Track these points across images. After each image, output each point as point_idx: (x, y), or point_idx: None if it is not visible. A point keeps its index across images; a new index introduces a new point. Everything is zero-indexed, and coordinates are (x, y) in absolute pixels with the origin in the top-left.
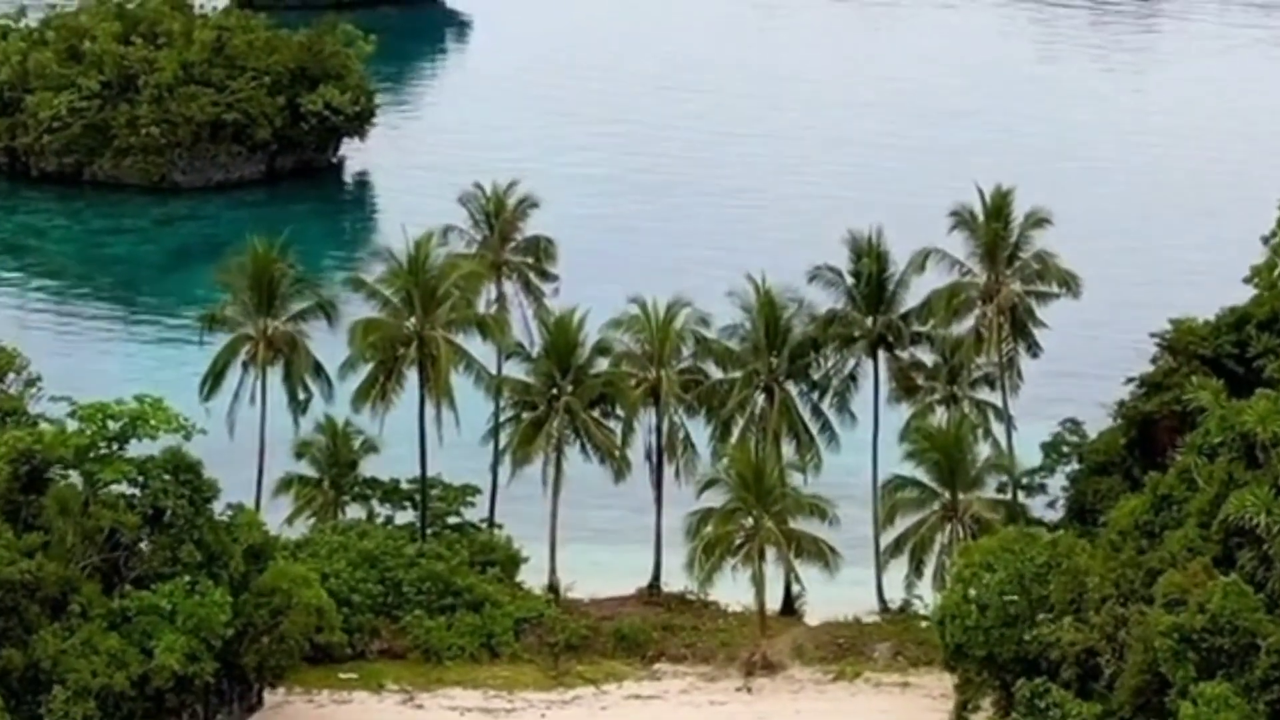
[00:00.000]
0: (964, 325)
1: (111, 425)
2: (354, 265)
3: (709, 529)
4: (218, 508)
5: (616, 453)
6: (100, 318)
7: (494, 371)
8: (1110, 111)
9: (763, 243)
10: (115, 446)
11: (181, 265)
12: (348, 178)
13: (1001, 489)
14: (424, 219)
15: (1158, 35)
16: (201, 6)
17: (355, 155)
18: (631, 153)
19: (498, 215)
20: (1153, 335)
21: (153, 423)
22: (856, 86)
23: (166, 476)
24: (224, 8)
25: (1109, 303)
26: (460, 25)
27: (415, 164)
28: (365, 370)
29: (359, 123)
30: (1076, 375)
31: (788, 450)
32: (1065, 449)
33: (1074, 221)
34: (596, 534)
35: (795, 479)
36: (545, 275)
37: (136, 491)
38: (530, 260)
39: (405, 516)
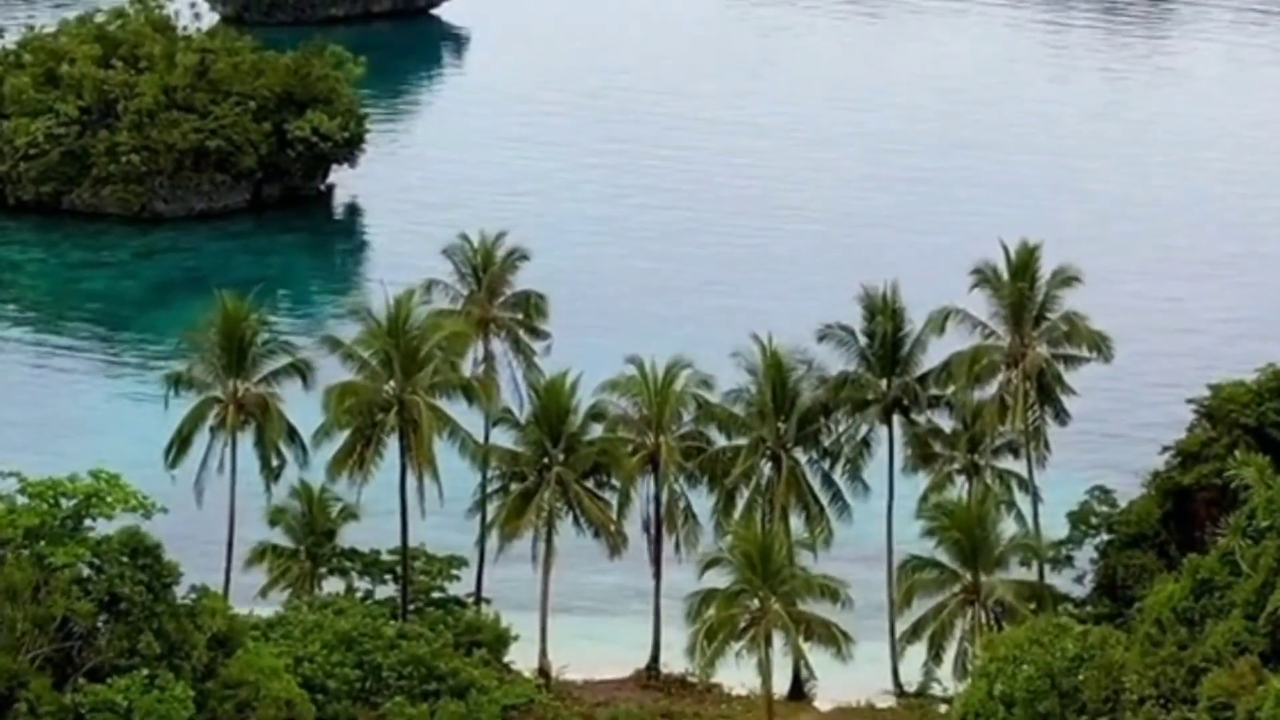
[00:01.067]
0: (986, 390)
1: (65, 503)
2: (344, 299)
3: (711, 612)
4: (181, 591)
5: (612, 527)
6: (76, 357)
7: (480, 439)
8: (1127, 138)
9: (768, 292)
10: (69, 526)
11: (162, 301)
12: (337, 206)
13: (1025, 562)
14: (415, 251)
15: (1171, 47)
16: (185, 28)
17: (345, 183)
18: (629, 185)
19: (485, 268)
20: (1190, 402)
21: (109, 500)
22: (864, 115)
23: (124, 560)
24: (210, 28)
25: (1137, 354)
26: (457, 41)
27: (408, 192)
28: (342, 437)
29: (349, 149)
30: (1104, 436)
31: (796, 523)
32: (1094, 519)
33: (1094, 260)
34: (591, 603)
35: (805, 556)
36: (536, 333)
37: (92, 576)
38: (520, 316)
39: (386, 590)
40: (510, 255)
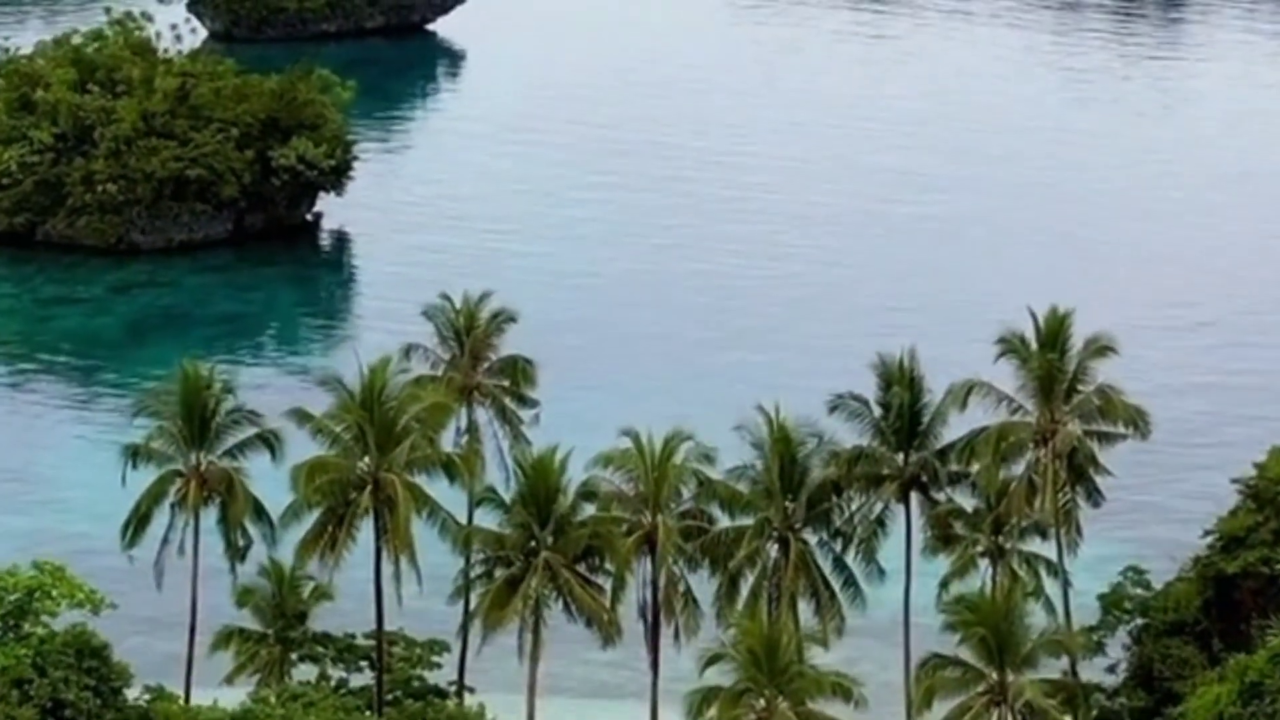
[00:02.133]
0: (1013, 467)
1: (5, 599)
2: (329, 338)
3: (713, 712)
4: (133, 692)
5: (605, 616)
6: (45, 404)
7: (462, 519)
8: (1148, 175)
9: (773, 343)
10: (9, 624)
11: (138, 340)
12: (323, 237)
13: (1054, 654)
14: (402, 286)
15: (1186, 69)
16: (165, 51)
17: (332, 211)
18: (625, 222)
19: (468, 332)
20: (1234, 481)
21: (54, 595)
22: (872, 147)
23: (69, 662)
24: (191, 50)
25: (1172, 420)
26: (452, 57)
27: (397, 221)
28: (312, 518)
29: (336, 177)
30: (1137, 510)
31: (805, 610)
32: (1128, 604)
33: (1119, 314)
34: (585, 687)
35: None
36: (524, 400)
37: (34, 679)
38: (506, 383)
39: (362, 678)
40: (495, 318)
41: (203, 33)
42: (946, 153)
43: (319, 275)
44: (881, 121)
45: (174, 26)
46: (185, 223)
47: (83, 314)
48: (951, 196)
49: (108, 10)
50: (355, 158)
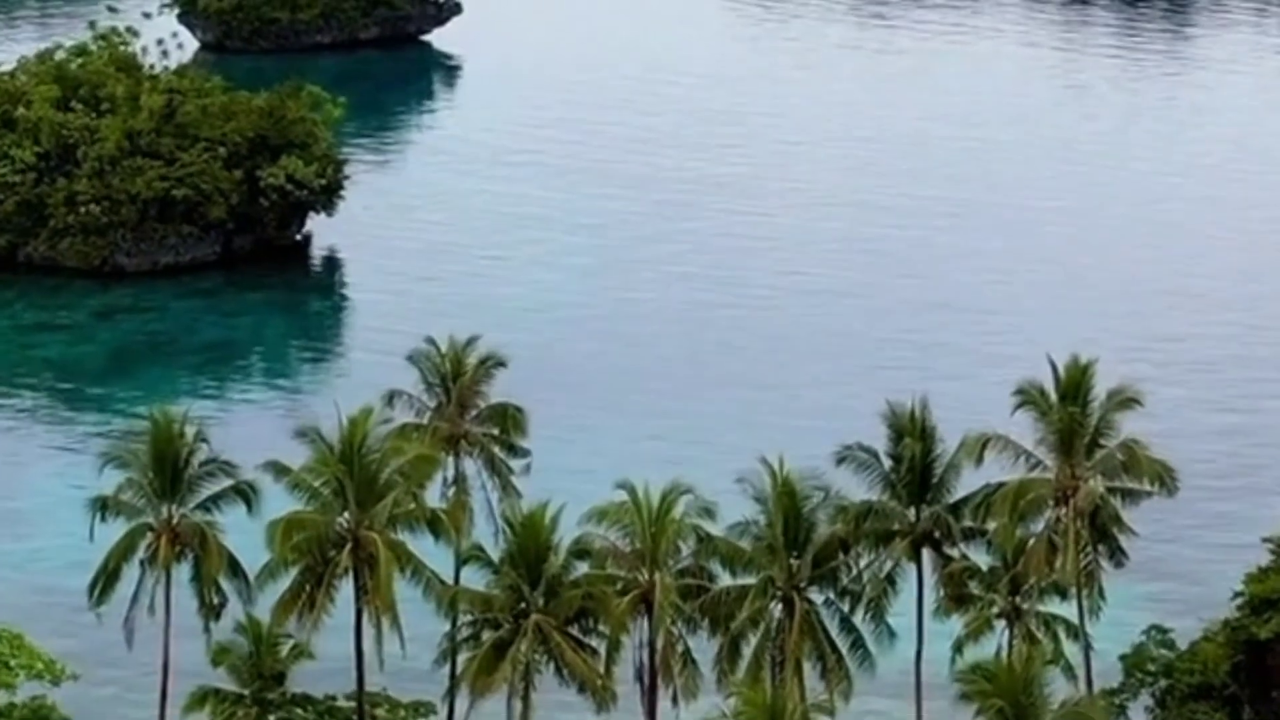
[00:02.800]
0: (1031, 524)
1: None
2: (318, 368)
3: None
4: None
5: (599, 682)
6: (24, 436)
7: (448, 578)
8: (1168, 203)
9: (776, 381)
10: None
11: (121, 370)
12: (314, 258)
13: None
14: (395, 312)
15: (1199, 78)
16: (152, 66)
17: (323, 232)
18: (622, 249)
19: (455, 378)
20: (1266, 541)
21: (12, 665)
22: (880, 171)
23: None
24: (179, 65)
25: (1197, 473)
26: (448, 70)
27: (390, 242)
28: (290, 577)
29: (326, 197)
30: (1159, 565)
31: (810, 673)
32: (1151, 665)
33: (1128, 341)
34: None
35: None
36: (514, 450)
37: None
38: (495, 432)
39: None
40: (484, 363)
41: (190, 47)
42: (954, 177)
43: (308, 300)
44: (885, 144)
45: (160, 42)
46: (171, 245)
47: (65, 341)
48: (960, 222)
49: (92, 25)
50: (346, 177)
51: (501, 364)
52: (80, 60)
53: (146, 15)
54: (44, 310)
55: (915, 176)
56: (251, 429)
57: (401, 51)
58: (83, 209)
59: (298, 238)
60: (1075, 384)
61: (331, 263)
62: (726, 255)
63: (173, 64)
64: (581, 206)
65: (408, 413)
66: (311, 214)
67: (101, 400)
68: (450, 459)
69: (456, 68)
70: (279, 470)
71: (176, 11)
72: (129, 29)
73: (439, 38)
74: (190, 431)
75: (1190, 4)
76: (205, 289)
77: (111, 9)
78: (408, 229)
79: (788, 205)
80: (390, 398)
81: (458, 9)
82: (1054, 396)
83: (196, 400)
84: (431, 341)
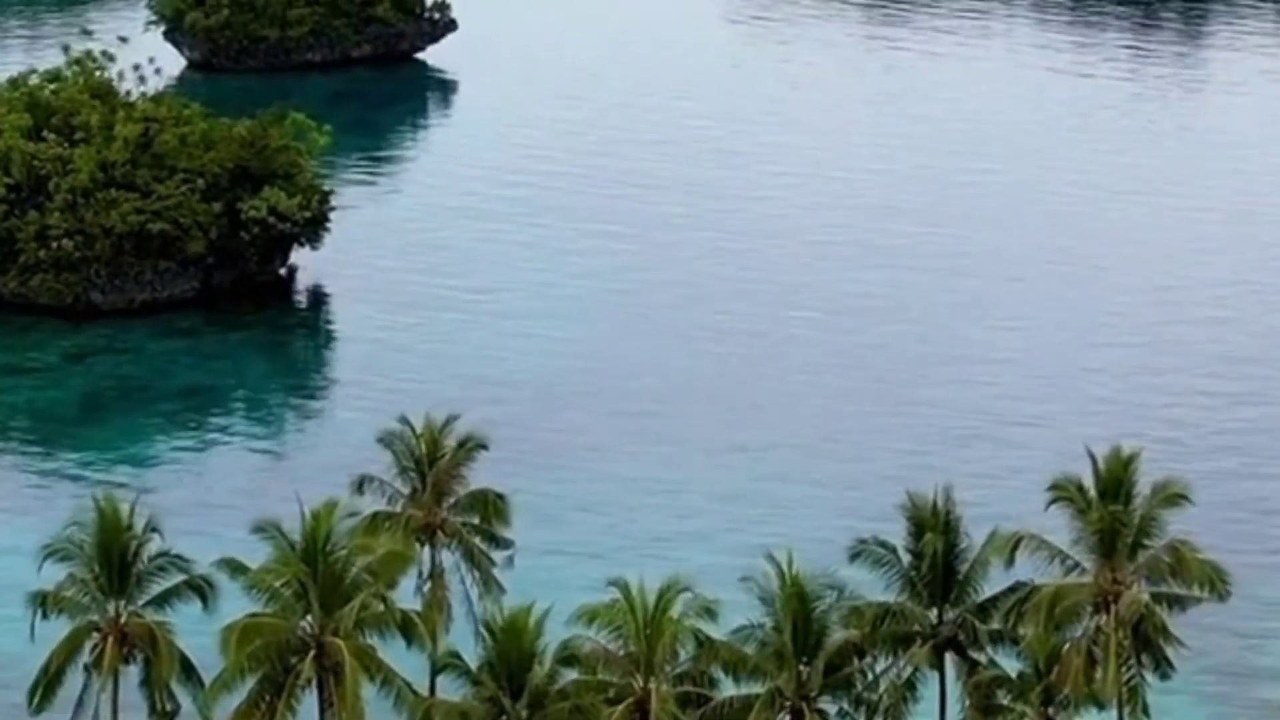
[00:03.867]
0: (1067, 630)
1: None
2: (301, 416)
3: None
4: None
5: None
6: None
7: (422, 688)
8: (1194, 248)
9: (783, 456)
10: None
11: (93, 418)
12: (299, 293)
13: None
14: (384, 354)
15: (1214, 101)
16: (129, 93)
17: (309, 265)
18: (620, 292)
19: (432, 463)
20: None
21: None
22: (889, 203)
23: None
24: (165, 84)
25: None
26: (444, 89)
27: (379, 274)
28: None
29: (312, 230)
30: (1205, 668)
31: None
32: None
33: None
34: None
35: None
36: (496, 541)
37: None
38: (475, 521)
39: None
40: (464, 445)
41: (171, 70)
42: (968, 213)
43: (292, 341)
44: (887, 179)
45: (136, 67)
46: (148, 281)
47: (34, 386)
48: (973, 265)
49: (66, 49)
50: (332, 208)
51: (483, 446)
52: (54, 86)
53: (123, 39)
54: (13, 352)
55: (916, 217)
56: (225, 487)
57: (395, 70)
58: (55, 244)
59: (281, 272)
60: (1116, 480)
61: (317, 298)
62: (729, 302)
63: (151, 89)
64: (576, 245)
65: (379, 499)
66: (297, 246)
67: (72, 450)
68: (426, 551)
69: (452, 87)
70: (235, 568)
71: (162, 29)
72: (105, 53)
73: (434, 55)
74: (140, 522)
75: (1207, 18)
76: (183, 328)
77: (86, 32)
78: (397, 261)
79: (789, 251)
80: (360, 484)
81: (453, 25)
82: (1093, 493)
83: (166, 457)
84: (405, 421)
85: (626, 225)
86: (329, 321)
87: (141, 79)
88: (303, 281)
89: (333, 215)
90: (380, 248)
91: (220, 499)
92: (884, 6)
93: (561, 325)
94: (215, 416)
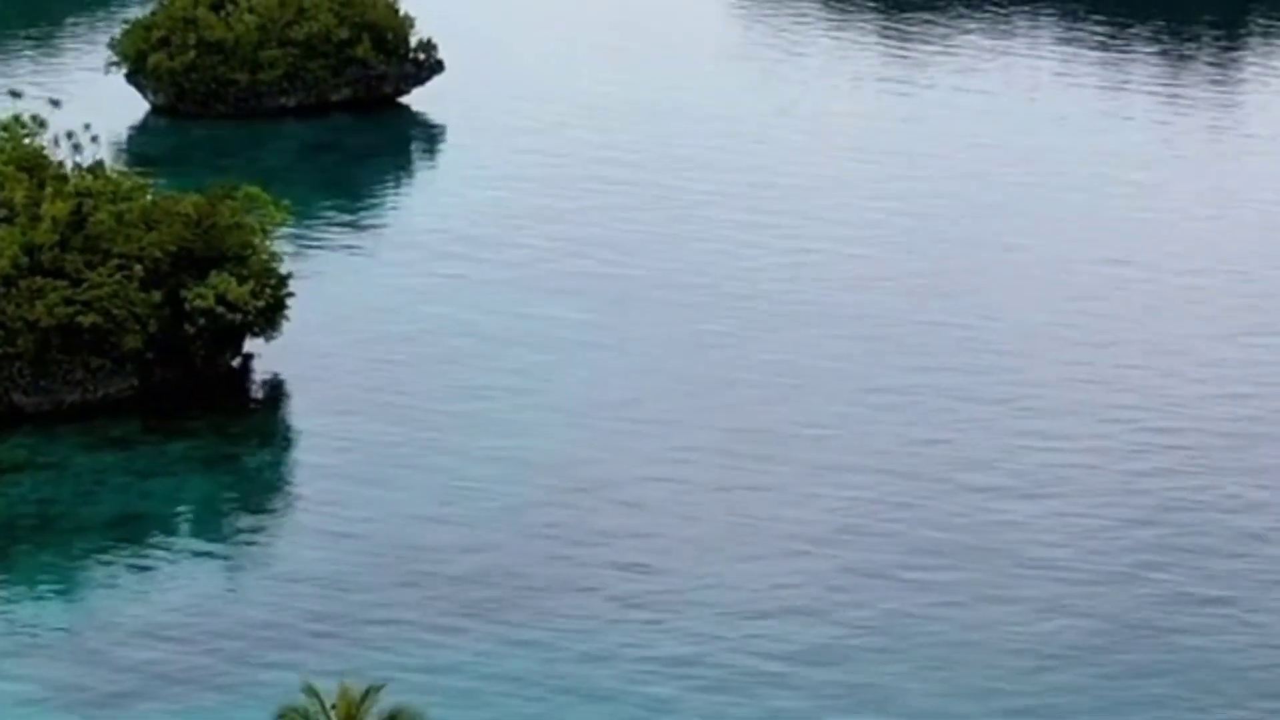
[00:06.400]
0: None
1: None
2: (243, 556)
3: None
4: None
5: None
6: None
7: None
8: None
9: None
10: None
11: (2, 559)
12: (253, 389)
13: None
14: (348, 469)
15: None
16: (62, 164)
17: (266, 355)
18: (615, 389)
19: None
20: None
21: None
22: (905, 249)
23: None
24: (92, 163)
25: None
26: (430, 137)
27: (347, 369)
28: None
29: (266, 318)
30: None
31: None
32: None
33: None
34: None
35: None
36: None
37: None
38: None
39: None
40: None
41: (135, 114)
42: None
43: (242, 452)
44: (905, 216)
45: (70, 135)
46: (78, 381)
47: None
48: (1001, 359)
49: None
50: (290, 294)
51: None
52: None
53: (54, 103)
54: None
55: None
56: (143, 659)
57: (376, 116)
58: None
59: (234, 364)
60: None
61: (274, 396)
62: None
63: (87, 158)
64: (569, 334)
65: None
66: (251, 335)
67: None
68: None
69: (438, 134)
70: None
71: (124, 72)
72: (35, 118)
73: (419, 99)
74: None
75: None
76: (116, 437)
77: (14, 94)
78: (369, 351)
79: (789, 319)
80: None
81: (439, 67)
82: None
83: (85, 608)
84: (312, 692)
85: (609, 305)
86: (285, 426)
87: (76, 147)
88: (258, 373)
89: (297, 293)
90: (350, 333)
91: (145, 667)
92: (902, 57)
93: (539, 439)
94: (143, 555)
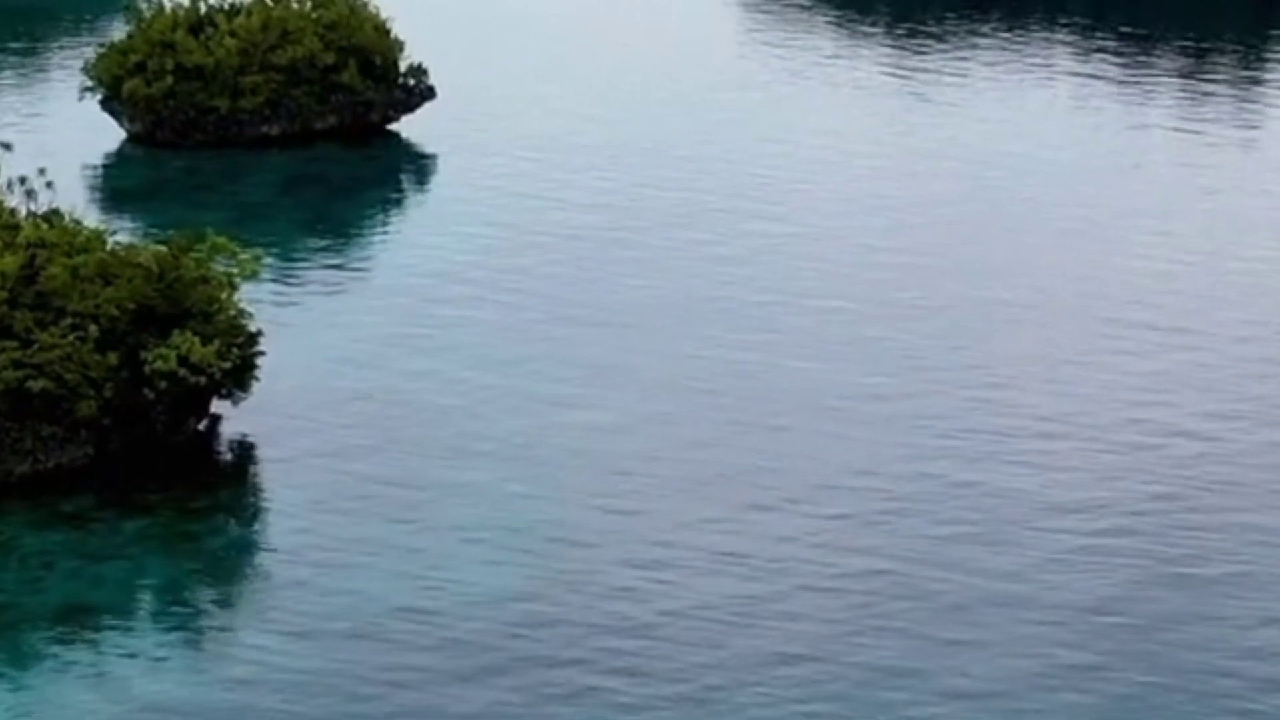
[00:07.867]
0: None
1: None
2: (199, 655)
3: None
4: None
5: None
6: None
7: None
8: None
9: None
10: None
11: None
12: (219, 455)
13: None
14: (321, 554)
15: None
16: (13, 212)
17: (233, 417)
18: (611, 453)
19: None
20: None
21: None
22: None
23: None
24: (46, 210)
25: None
26: (419, 168)
27: (320, 425)
28: None
29: (234, 379)
30: None
31: None
32: None
33: None
34: None
35: None
36: None
37: None
38: None
39: None
40: None
41: (110, 142)
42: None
43: (204, 530)
44: (916, 257)
45: (23, 180)
46: (27, 450)
47: None
48: (1004, 393)
49: None
50: (261, 353)
51: None
52: None
53: (6, 146)
54: None
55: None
56: None
57: (364, 145)
58: None
59: (200, 427)
60: None
61: (241, 464)
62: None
63: (43, 204)
64: (568, 369)
65: None
66: (217, 398)
67: None
68: None
69: (429, 165)
70: None
71: (99, 98)
72: None
73: (408, 127)
74: None
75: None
76: (68, 513)
77: None
78: (347, 407)
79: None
80: None
81: (430, 93)
82: None
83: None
84: None
85: (625, 374)
86: (249, 501)
87: (29, 193)
88: (225, 437)
89: (272, 344)
90: (328, 390)
91: None
92: (909, 81)
93: (520, 520)
94: (96, 651)
